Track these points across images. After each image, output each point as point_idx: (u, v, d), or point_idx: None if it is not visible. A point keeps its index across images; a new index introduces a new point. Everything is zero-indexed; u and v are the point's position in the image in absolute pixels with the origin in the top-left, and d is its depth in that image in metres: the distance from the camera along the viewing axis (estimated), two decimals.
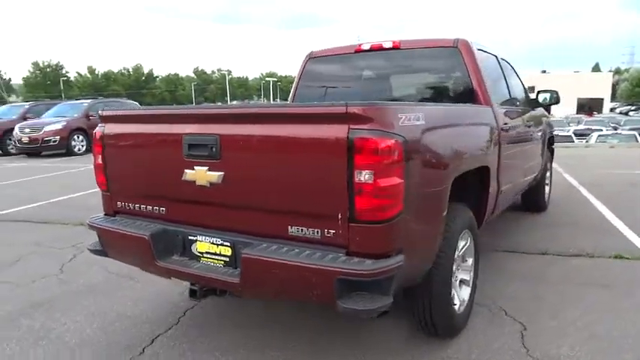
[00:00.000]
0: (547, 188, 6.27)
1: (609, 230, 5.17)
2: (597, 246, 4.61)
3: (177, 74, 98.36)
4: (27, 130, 14.35)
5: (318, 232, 2.20)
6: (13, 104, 19.55)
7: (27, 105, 17.00)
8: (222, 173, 2.40)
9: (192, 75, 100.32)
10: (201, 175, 2.46)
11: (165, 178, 2.60)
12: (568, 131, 22.36)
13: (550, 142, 6.17)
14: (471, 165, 2.90)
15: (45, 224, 6.17)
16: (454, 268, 2.93)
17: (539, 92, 5.23)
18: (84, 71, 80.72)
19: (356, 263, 2.06)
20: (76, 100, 20.58)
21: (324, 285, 2.07)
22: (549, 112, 6.73)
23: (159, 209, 2.73)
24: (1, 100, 47.64)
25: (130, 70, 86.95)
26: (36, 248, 5.12)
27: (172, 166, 2.54)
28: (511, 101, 4.45)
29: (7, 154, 15.62)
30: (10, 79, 69.98)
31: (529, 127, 4.74)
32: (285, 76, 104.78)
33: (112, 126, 2.86)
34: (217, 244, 2.49)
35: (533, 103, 5.20)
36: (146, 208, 2.78)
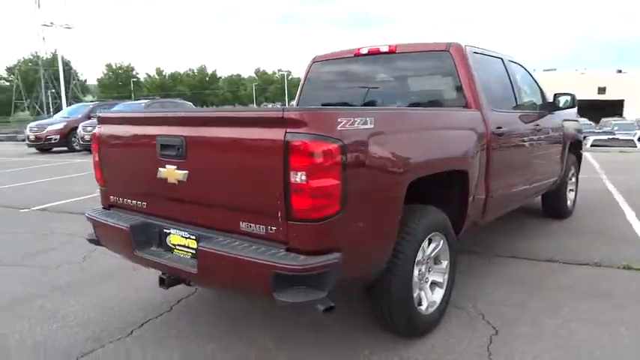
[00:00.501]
0: (572, 194, 6.06)
1: (632, 241, 4.94)
2: (610, 256, 4.44)
3: (240, 75, 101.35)
4: (88, 129, 15.46)
5: (263, 228, 2.35)
6: (80, 104, 21.01)
7: (91, 105, 18.26)
8: (187, 172, 2.62)
9: (254, 75, 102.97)
10: (171, 173, 2.68)
11: (145, 175, 2.84)
12: (634, 135, 21.03)
13: (576, 146, 5.96)
14: (436, 169, 2.94)
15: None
16: (423, 269, 3.00)
17: (556, 95, 5.09)
18: (153, 73, 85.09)
19: (290, 258, 2.20)
20: (137, 100, 21.79)
21: (263, 278, 2.22)
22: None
23: (141, 204, 2.99)
24: (77, 100, 51.06)
25: (195, 71, 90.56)
26: (70, 238, 5.60)
27: (150, 164, 2.78)
28: (517, 105, 4.38)
29: (72, 150, 16.87)
30: (85, 80, 75.09)
31: (539, 131, 4.63)
32: None
33: (105, 127, 3.16)
34: (186, 237, 2.71)
35: (550, 107, 5.07)
36: (132, 202, 3.05)
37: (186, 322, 3.35)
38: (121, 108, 16.62)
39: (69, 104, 37.39)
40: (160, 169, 2.73)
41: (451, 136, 3.17)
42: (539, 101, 5.11)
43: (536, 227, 5.56)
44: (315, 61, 4.56)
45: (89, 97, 74.14)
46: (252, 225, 2.39)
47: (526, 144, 4.39)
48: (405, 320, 2.85)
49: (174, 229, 2.77)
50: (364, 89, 4.28)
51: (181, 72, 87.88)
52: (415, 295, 2.89)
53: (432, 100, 3.88)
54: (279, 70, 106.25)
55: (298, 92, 4.67)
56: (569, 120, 5.79)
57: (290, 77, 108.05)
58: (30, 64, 62.66)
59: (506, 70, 4.39)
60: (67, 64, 67.05)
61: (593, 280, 3.92)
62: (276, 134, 2.21)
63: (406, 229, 2.76)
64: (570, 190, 6.06)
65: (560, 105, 5.04)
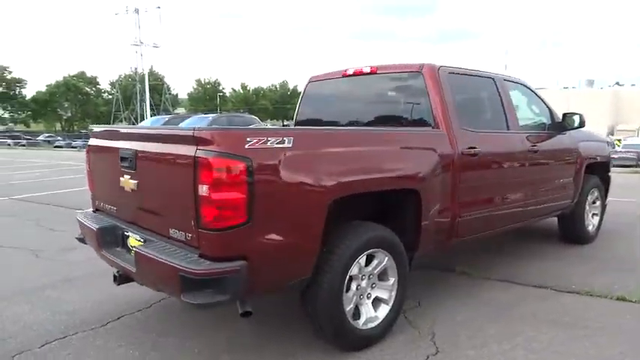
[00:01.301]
0: (595, 219, 5.73)
1: None
2: (610, 285, 4.20)
3: None
4: None
5: (184, 235, 2.61)
6: (158, 117, 22.74)
7: (167, 117, 19.72)
8: (137, 181, 2.95)
9: None
10: (127, 182, 3.03)
11: (113, 183, 3.21)
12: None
13: (599, 169, 5.66)
14: (369, 188, 3.02)
15: None
16: (363, 284, 3.09)
17: (564, 115, 4.91)
18: (238, 87, 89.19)
19: (194, 263, 2.43)
20: (206, 114, 23.11)
21: (173, 280, 2.47)
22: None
23: (113, 209, 3.37)
24: (167, 112, 54.90)
25: (277, 86, 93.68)
26: None
27: (115, 174, 3.15)
28: (509, 126, 4.30)
29: None
30: (177, 94, 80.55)
31: (538, 152, 4.50)
32: None
33: (93, 140, 3.60)
34: (137, 240, 3.03)
35: (557, 128, 4.90)
36: (107, 207, 3.44)
37: (156, 319, 3.66)
38: (189, 122, 17.81)
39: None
40: (120, 178, 3.09)
41: (395, 156, 3.24)
42: (548, 121, 4.95)
43: (548, 251, 5.33)
44: (310, 81, 4.77)
45: (180, 110, 79.50)
46: (177, 232, 2.66)
47: (516, 165, 4.29)
48: (333, 331, 2.95)
49: (132, 232, 3.10)
50: (349, 108, 4.43)
51: (264, 87, 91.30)
52: (348, 308, 2.98)
53: (405, 118, 3.94)
54: None
55: (296, 111, 4.91)
56: (589, 141, 5.52)
57: None
58: (130, 79, 68.44)
59: (498, 91, 4.33)
60: (160, 79, 72.48)
61: (572, 310, 3.74)
62: (189, 151, 2.46)
63: (336, 244, 2.89)
64: (594, 214, 5.73)
65: (569, 125, 4.86)
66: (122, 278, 3.17)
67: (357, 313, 3.10)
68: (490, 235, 4.35)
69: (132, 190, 3.01)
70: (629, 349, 3.11)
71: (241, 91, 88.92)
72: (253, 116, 20.84)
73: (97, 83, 73.14)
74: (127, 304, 3.93)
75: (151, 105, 61.74)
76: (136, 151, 2.92)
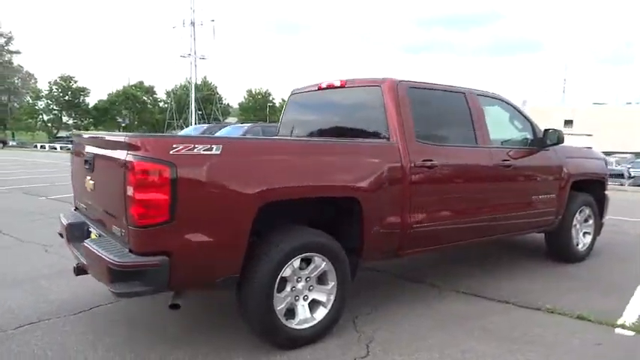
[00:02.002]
0: (587, 238, 5.59)
1: (623, 293, 4.46)
2: (576, 304, 4.14)
3: None
4: None
5: (119, 231, 2.89)
6: (200, 125, 23.63)
7: (206, 126, 20.49)
8: (94, 182, 3.27)
9: None
10: (88, 183, 3.37)
11: (82, 184, 3.56)
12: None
13: (592, 186, 5.54)
14: (301, 195, 3.20)
15: None
16: (299, 286, 3.26)
17: (545, 131, 4.88)
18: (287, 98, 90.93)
19: (120, 256, 2.70)
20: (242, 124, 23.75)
21: (105, 271, 2.74)
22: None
23: (84, 207, 3.72)
24: (216, 120, 56.60)
25: None
26: None
27: (83, 175, 3.50)
28: (477, 140, 4.35)
29: None
30: (228, 104, 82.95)
31: (509, 167, 4.51)
32: None
33: (73, 144, 3.98)
34: (96, 236, 3.35)
35: (540, 143, 4.87)
36: (81, 205, 3.80)
37: (124, 313, 3.93)
38: (224, 131, 18.43)
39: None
40: (84, 179, 3.43)
41: (333, 165, 3.39)
42: (530, 137, 4.94)
43: (531, 268, 5.27)
44: (292, 93, 5.01)
45: (232, 119, 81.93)
46: (117, 229, 2.94)
47: (480, 179, 4.32)
48: (263, 328, 3.13)
49: (94, 228, 3.43)
50: (321, 119, 4.63)
51: None
52: (280, 307, 3.15)
53: (366, 130, 4.08)
54: None
55: (280, 120, 5.15)
56: (579, 158, 5.44)
57: None
58: (184, 89, 71.23)
59: (468, 106, 4.39)
60: (212, 90, 74.90)
61: (524, 325, 3.73)
62: (122, 155, 2.75)
63: (268, 247, 3.09)
64: (585, 233, 5.60)
65: (549, 142, 4.83)
66: (79, 270, 3.49)
67: (292, 313, 3.27)
68: (451, 248, 4.40)
69: (91, 190, 3.34)
70: None
71: None
72: None
73: (154, 92, 76.56)
74: (101, 295, 4.23)
75: (202, 114, 63.97)
76: (94, 154, 3.25)
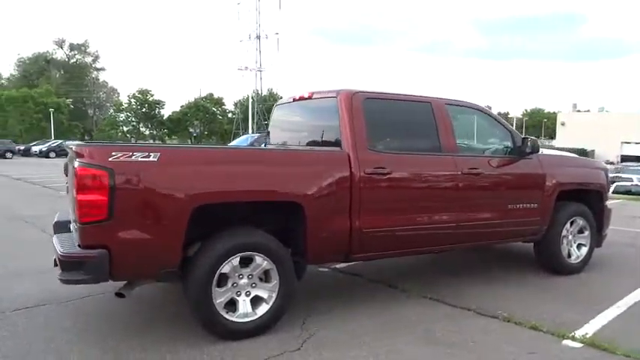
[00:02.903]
0: (583, 250, 5.43)
1: (596, 307, 4.32)
2: (540, 315, 4.10)
3: None
4: None
5: (74, 227, 3.32)
6: (248, 135, 24.50)
7: (256, 135, 21.30)
8: (68, 185, 3.75)
9: None
10: (68, 186, 3.86)
11: (69, 187, 4.07)
12: None
13: (590, 197, 5.39)
14: (238, 198, 3.50)
15: None
16: (241, 282, 3.54)
17: (523, 139, 4.85)
18: None
19: (65, 249, 3.13)
20: None
21: (57, 261, 3.18)
22: None
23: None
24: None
25: None
26: None
27: (69, 179, 4.00)
28: (441, 148, 4.43)
29: None
30: None
31: (478, 175, 4.54)
32: (553, 113, 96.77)
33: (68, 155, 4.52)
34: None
35: (519, 152, 4.85)
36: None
37: (107, 302, 4.30)
38: (238, 140, 19.12)
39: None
40: (68, 182, 3.94)
41: (273, 172, 3.63)
42: (509, 146, 4.92)
43: (514, 279, 5.19)
44: (276, 104, 5.33)
45: None
46: (73, 225, 3.38)
47: (441, 187, 4.40)
48: (202, 319, 3.44)
49: (72, 226, 3.91)
50: (293, 129, 4.90)
51: None
52: (219, 301, 3.45)
53: (326, 140, 4.30)
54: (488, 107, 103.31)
55: (267, 130, 5.49)
56: (569, 166, 5.33)
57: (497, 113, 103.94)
58: (251, 99, 73.93)
59: (434, 115, 4.47)
60: (277, 100, 76.94)
61: (469, 331, 3.77)
62: (74, 162, 3.18)
63: (207, 245, 3.41)
64: (580, 244, 5.43)
65: (527, 150, 4.79)
66: (55, 262, 3.97)
67: (234, 307, 3.56)
68: (411, 254, 4.49)
69: (67, 192, 3.83)
70: None
71: None
72: None
73: (223, 104, 79.85)
74: (75, 291, 4.57)
75: (267, 124, 65.65)
76: (68, 162, 3.74)
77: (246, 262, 3.56)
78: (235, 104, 79.17)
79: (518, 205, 4.84)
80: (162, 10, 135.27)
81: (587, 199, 5.47)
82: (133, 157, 3.17)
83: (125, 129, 74.80)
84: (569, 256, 5.35)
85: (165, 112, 75.74)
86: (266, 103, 69.79)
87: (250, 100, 51.54)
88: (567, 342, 3.60)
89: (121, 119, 73.36)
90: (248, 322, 3.57)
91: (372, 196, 4.01)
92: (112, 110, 77.32)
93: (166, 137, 77.92)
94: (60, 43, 77.83)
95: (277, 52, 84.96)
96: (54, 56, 78.16)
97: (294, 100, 4.85)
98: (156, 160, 3.23)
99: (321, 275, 5.31)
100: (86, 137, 72.12)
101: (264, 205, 3.71)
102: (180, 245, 3.31)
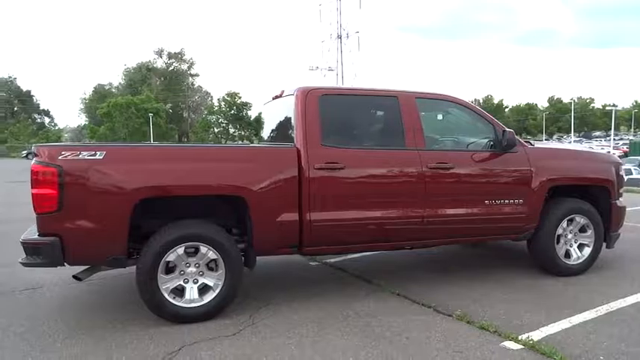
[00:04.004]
0: (586, 250, 5.04)
1: (566, 312, 4.01)
2: (497, 316, 3.96)
3: (530, 104, 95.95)
4: None
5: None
6: None
7: None
8: None
9: (547, 104, 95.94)
10: None
11: None
12: None
13: (594, 193, 5.03)
14: (181, 193, 3.78)
15: None
16: (188, 270, 3.82)
17: (503, 132, 4.63)
18: None
19: (25, 236, 3.59)
20: None
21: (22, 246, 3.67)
22: None
23: None
24: None
25: (481, 100, 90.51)
26: None
27: None
28: (404, 142, 4.38)
29: None
30: None
31: (449, 169, 4.43)
32: None
33: None
34: None
35: (500, 145, 4.64)
36: None
37: (50, 291, 4.69)
38: None
39: None
40: None
41: (220, 168, 3.86)
42: (489, 140, 4.72)
43: (499, 279, 4.93)
44: (264, 103, 5.55)
45: None
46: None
47: (403, 182, 4.34)
48: (149, 303, 3.74)
49: None
50: (269, 126, 5.09)
51: None
52: (165, 287, 3.74)
53: (286, 136, 4.43)
54: (578, 98, 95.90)
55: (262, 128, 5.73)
56: (562, 160, 4.99)
57: (592, 106, 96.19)
58: None
59: (400, 109, 4.43)
60: None
61: (409, 327, 3.72)
62: (33, 160, 3.64)
63: (153, 236, 3.72)
64: (582, 244, 5.04)
65: (503, 144, 4.58)
66: None
67: (182, 293, 3.84)
68: (375, 249, 4.48)
69: None
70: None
71: None
72: None
73: None
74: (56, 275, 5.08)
75: None
76: None
77: (193, 251, 3.82)
78: None
79: (498, 201, 4.63)
80: (249, 16, 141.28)
81: (591, 195, 5.06)
82: (81, 156, 3.56)
83: (216, 130, 79.12)
84: (568, 256, 4.99)
85: (252, 114, 79.02)
86: None
87: None
88: (507, 343, 3.44)
89: (212, 121, 77.59)
90: (194, 307, 3.83)
91: (322, 191, 4.09)
92: (205, 113, 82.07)
93: (253, 137, 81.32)
94: (159, 53, 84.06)
95: (358, 51, 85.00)
96: (155, 65, 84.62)
97: (273, 98, 5.04)
98: (102, 158, 3.59)
99: (305, 268, 5.45)
100: (183, 139, 77.31)
101: (212, 199, 3.95)
102: (125, 235, 3.64)
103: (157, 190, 3.71)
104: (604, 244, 5.18)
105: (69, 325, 3.84)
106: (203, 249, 3.82)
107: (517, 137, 4.81)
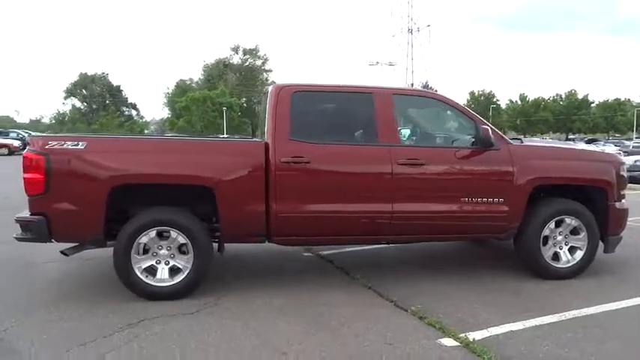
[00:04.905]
0: (578, 253, 4.83)
1: (534, 313, 3.94)
2: (452, 314, 3.95)
3: (619, 99, 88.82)
4: None
5: None
6: None
7: None
8: None
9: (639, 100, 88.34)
10: None
11: None
12: None
13: (589, 193, 4.83)
14: (153, 181, 4.12)
15: None
16: (161, 252, 4.17)
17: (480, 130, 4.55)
18: (515, 98, 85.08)
19: (20, 214, 4.10)
20: None
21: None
22: None
23: None
24: None
25: (563, 95, 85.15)
26: None
27: None
28: (376, 138, 4.45)
29: None
30: None
31: (422, 165, 4.44)
32: None
33: None
34: None
35: (482, 143, 4.56)
36: None
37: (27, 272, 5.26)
38: None
39: None
40: None
41: (189, 159, 4.18)
42: (470, 137, 4.67)
43: (476, 280, 4.83)
44: (257, 101, 5.79)
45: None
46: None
47: (370, 176, 4.42)
48: (123, 281, 4.13)
49: None
50: (259, 121, 5.33)
51: (546, 97, 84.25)
52: (137, 267, 4.10)
53: (264, 130, 4.64)
54: None
55: None
56: (550, 159, 4.82)
57: None
58: None
59: (374, 106, 4.49)
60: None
61: (356, 319, 3.82)
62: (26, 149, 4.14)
63: (132, 220, 4.10)
64: (574, 247, 4.82)
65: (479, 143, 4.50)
66: None
67: (154, 273, 4.19)
68: (345, 242, 4.60)
69: None
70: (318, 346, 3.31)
71: (519, 102, 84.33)
72: None
73: None
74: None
75: None
76: None
77: (165, 235, 4.17)
78: None
79: (475, 199, 4.55)
80: (321, 12, 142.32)
81: (586, 196, 4.83)
82: (65, 145, 4.00)
83: None
84: (558, 259, 4.80)
85: None
86: None
87: None
88: (444, 340, 3.46)
89: None
90: (164, 286, 4.17)
91: (288, 183, 4.27)
92: None
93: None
94: (235, 49, 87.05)
95: (429, 45, 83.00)
96: (231, 61, 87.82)
97: (263, 94, 5.28)
98: (83, 147, 4.02)
99: (294, 258, 5.65)
100: (257, 132, 79.74)
101: (185, 188, 4.26)
102: (102, 217, 4.05)
103: (129, 178, 4.09)
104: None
105: (57, 295, 4.35)
106: (173, 233, 4.15)
107: (502, 135, 4.72)
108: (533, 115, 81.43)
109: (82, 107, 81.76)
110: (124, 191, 4.12)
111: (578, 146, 6.25)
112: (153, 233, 4.13)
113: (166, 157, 4.20)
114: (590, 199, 4.84)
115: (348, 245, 5.80)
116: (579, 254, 4.82)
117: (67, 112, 79.73)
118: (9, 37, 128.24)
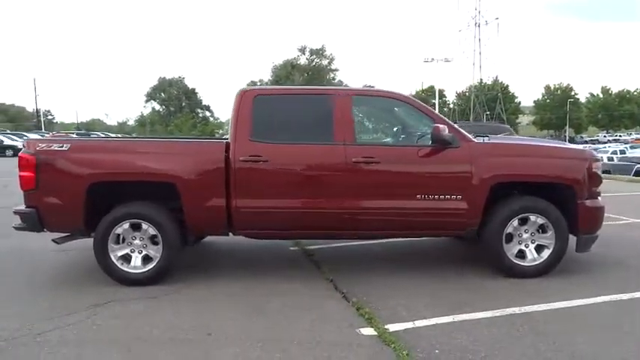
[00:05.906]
0: (545, 252, 4.76)
1: (472, 308, 4.00)
2: (395, 307, 4.08)
3: None
4: None
5: None
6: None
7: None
8: None
9: None
10: None
11: None
12: None
13: (558, 191, 4.76)
14: (123, 178, 4.59)
15: None
16: (136, 242, 4.65)
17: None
18: (597, 92, 79.64)
19: (18, 206, 4.74)
20: None
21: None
22: None
23: None
24: (502, 121, 54.74)
25: None
26: None
27: None
28: (332, 137, 4.66)
29: None
30: (519, 102, 77.94)
31: (378, 162, 4.59)
32: None
33: None
34: None
35: (441, 141, 4.63)
36: None
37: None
38: None
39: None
40: None
41: (156, 158, 4.63)
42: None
43: (441, 277, 4.88)
44: None
45: (523, 119, 77.54)
46: None
47: (325, 173, 4.65)
48: (102, 267, 4.64)
49: None
50: None
51: (631, 90, 78.02)
52: (113, 255, 4.60)
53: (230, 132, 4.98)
54: None
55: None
56: (513, 156, 4.78)
57: None
58: (475, 89, 71.49)
59: (334, 108, 4.70)
60: (505, 88, 72.42)
61: (294, 308, 4.08)
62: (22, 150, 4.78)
63: (113, 214, 4.62)
64: (540, 245, 4.74)
65: (436, 141, 4.57)
66: None
67: (129, 261, 4.69)
68: (307, 236, 4.83)
69: None
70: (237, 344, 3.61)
71: (601, 96, 78.86)
72: (506, 125, 19.97)
73: (444, 96, 79.00)
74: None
75: (490, 114, 63.11)
76: None
77: (137, 227, 4.65)
78: (458, 95, 77.73)
79: (431, 197, 4.62)
80: (387, 11, 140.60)
81: (556, 194, 4.73)
82: (52, 147, 4.59)
83: None
84: (523, 257, 4.75)
85: None
86: (489, 93, 66.69)
87: (436, 90, 50.07)
88: (364, 330, 3.63)
89: None
90: (137, 273, 4.65)
91: (247, 180, 4.60)
92: None
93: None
94: (302, 50, 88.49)
95: (497, 38, 79.83)
96: (298, 62, 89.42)
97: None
98: (67, 149, 4.59)
99: (276, 251, 5.95)
100: None
101: (154, 184, 4.70)
102: (81, 211, 4.59)
103: (103, 176, 4.61)
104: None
105: (44, 279, 4.98)
106: (144, 226, 4.62)
107: (464, 133, 4.75)
108: (617, 109, 75.81)
109: (160, 110, 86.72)
110: (107, 188, 4.64)
111: (551, 143, 6.01)
112: (126, 225, 4.62)
113: (135, 156, 4.68)
114: (560, 196, 4.74)
115: (338, 241, 6.02)
116: (546, 253, 4.74)
117: (147, 114, 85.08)
118: (101, 47, 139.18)
